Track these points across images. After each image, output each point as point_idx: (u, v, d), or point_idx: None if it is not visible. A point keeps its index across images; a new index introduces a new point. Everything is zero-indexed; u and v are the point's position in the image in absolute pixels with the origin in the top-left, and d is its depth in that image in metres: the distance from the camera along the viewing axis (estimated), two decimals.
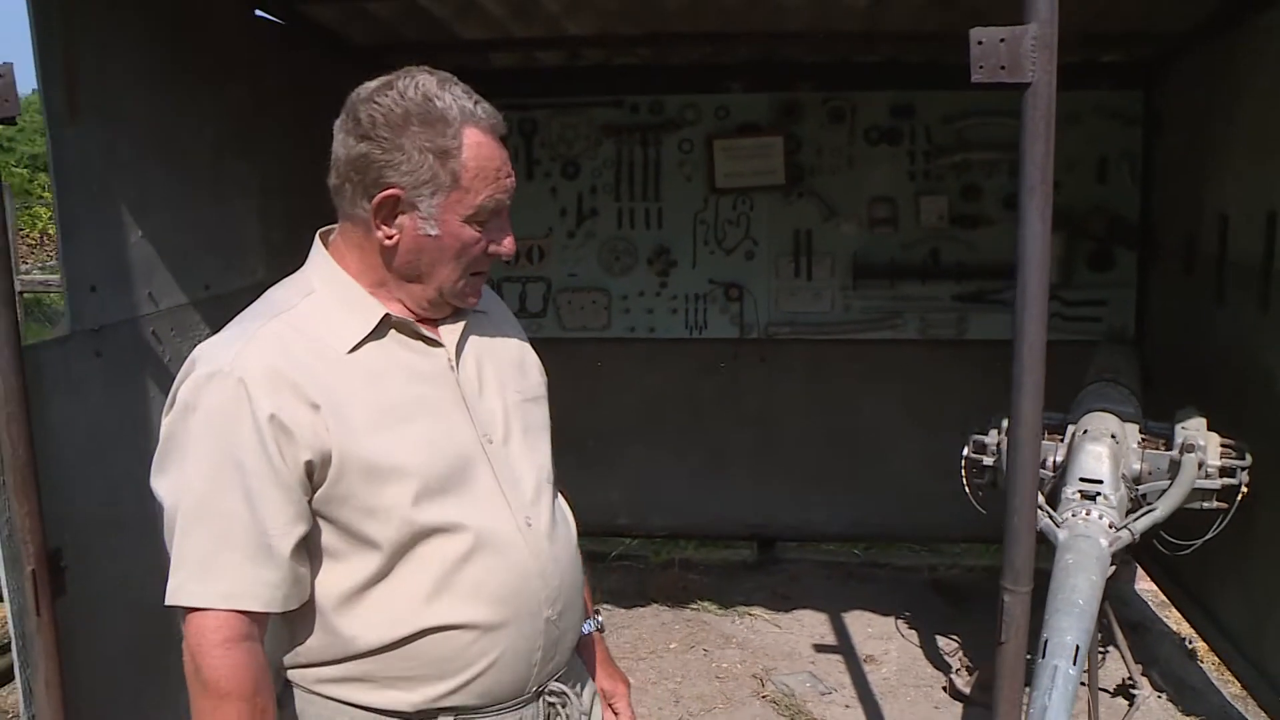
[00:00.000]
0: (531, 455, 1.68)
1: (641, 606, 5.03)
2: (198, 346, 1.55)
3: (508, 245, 1.61)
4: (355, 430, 1.49)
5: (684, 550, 5.81)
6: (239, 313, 1.61)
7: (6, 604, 2.47)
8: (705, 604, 5.05)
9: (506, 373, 1.70)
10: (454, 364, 1.62)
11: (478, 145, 1.52)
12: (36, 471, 2.42)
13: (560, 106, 5.22)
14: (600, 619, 1.94)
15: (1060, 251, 4.90)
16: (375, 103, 1.51)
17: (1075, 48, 4.02)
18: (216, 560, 1.45)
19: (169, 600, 1.46)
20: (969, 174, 5.05)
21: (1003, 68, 1.97)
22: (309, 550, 1.52)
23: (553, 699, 1.68)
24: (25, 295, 10.41)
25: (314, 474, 1.48)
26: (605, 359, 5.39)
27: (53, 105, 2.70)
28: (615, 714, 1.91)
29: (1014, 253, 2.04)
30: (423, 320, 1.61)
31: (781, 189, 5.14)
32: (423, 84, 1.51)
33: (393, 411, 1.54)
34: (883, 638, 4.66)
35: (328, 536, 1.52)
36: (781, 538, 5.65)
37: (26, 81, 2.93)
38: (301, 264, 1.65)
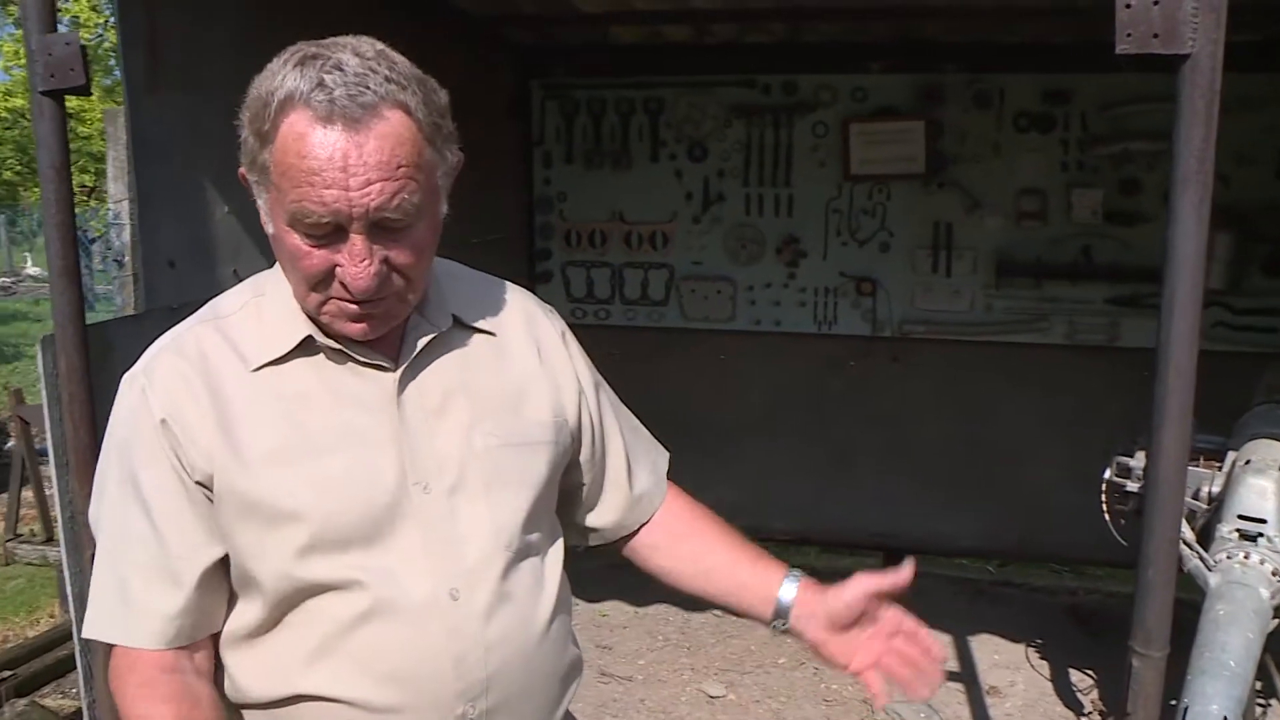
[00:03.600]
0: (490, 513, 1.36)
1: None
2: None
3: (351, 274, 1.21)
4: (244, 461, 1.28)
5: (806, 557, 5.52)
6: None
7: (69, 588, 2.44)
8: None
9: (488, 411, 1.40)
10: (398, 393, 1.35)
11: (294, 136, 1.18)
12: (98, 454, 2.32)
13: (687, 85, 4.97)
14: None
15: (1227, 254, 4.43)
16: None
17: (1251, 21, 3.59)
18: (126, 592, 1.30)
19: (84, 632, 1.33)
20: (1128, 166, 4.61)
21: (1155, 36, 1.66)
22: (225, 578, 1.33)
23: None
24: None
25: (208, 496, 1.29)
26: (728, 352, 5.16)
27: (133, 73, 2.60)
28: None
29: None
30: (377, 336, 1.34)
31: (921, 178, 4.79)
32: (294, 55, 1.22)
33: (301, 443, 1.30)
34: (1010, 667, 4.30)
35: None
36: (910, 549, 5.32)
37: None
38: None
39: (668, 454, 1.71)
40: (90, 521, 1.38)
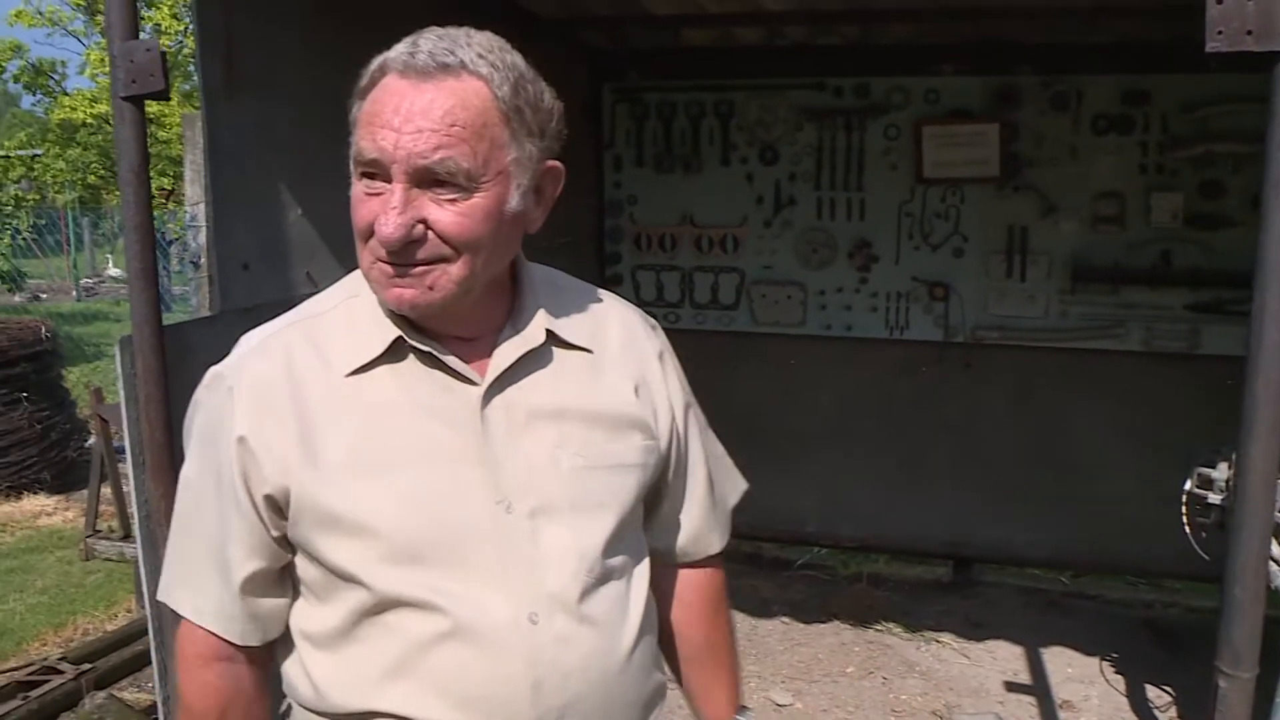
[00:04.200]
0: (574, 537, 1.32)
1: (822, 623, 4.73)
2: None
3: (380, 218, 1.21)
4: (323, 472, 1.26)
5: (874, 564, 5.46)
6: None
7: (144, 585, 2.47)
8: (890, 625, 4.71)
9: (577, 431, 1.36)
10: (482, 407, 1.32)
11: (382, 88, 1.23)
12: (174, 454, 2.35)
13: (758, 88, 4.93)
14: (750, 713, 1.63)
15: None
16: None
17: None
18: (194, 569, 1.34)
19: (158, 594, 1.37)
20: (1210, 168, 4.49)
21: (1249, 33, 1.60)
22: (281, 585, 1.34)
23: None
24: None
25: (279, 509, 1.28)
26: (799, 357, 5.12)
27: (210, 77, 2.62)
28: None
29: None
30: (467, 342, 1.33)
31: (995, 181, 4.71)
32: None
33: (381, 454, 1.28)
34: (1084, 681, 4.21)
35: (306, 570, 1.33)
36: (980, 558, 5.24)
37: None
38: None
39: (745, 486, 1.68)
40: (180, 482, 1.39)
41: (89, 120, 23.70)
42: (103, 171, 25.00)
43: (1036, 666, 4.34)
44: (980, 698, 4.09)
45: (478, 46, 1.24)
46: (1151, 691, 4.07)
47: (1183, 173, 4.53)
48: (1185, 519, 3.22)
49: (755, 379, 5.08)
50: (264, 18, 2.72)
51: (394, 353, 1.31)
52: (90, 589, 5.56)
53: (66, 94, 25.78)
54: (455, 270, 1.25)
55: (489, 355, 1.34)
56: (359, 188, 1.25)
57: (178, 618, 1.37)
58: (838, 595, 5.00)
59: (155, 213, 2.32)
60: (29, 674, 3.84)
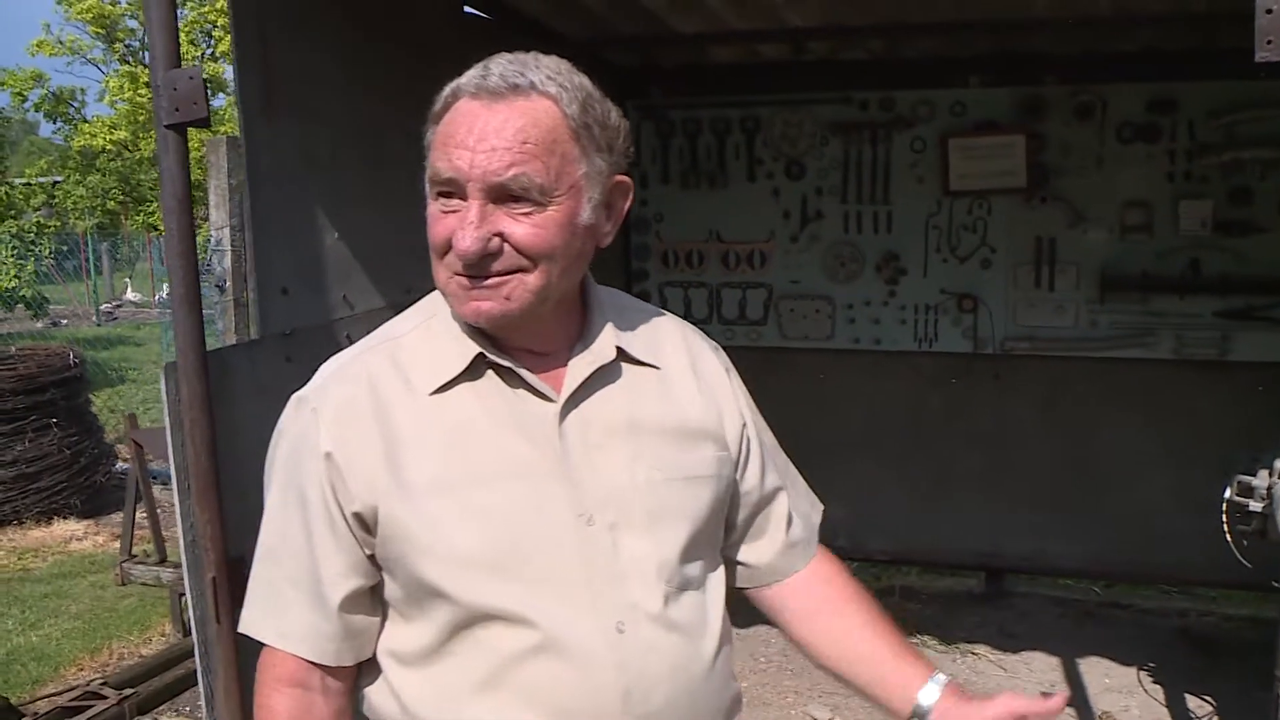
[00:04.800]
0: (655, 548, 1.36)
1: None
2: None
3: (458, 234, 1.25)
4: (409, 490, 1.29)
5: (906, 577, 5.47)
6: None
7: (190, 611, 2.48)
8: (925, 638, 4.71)
9: (651, 444, 1.39)
10: (559, 422, 1.35)
11: (456, 111, 1.29)
12: (219, 478, 2.37)
13: (783, 103, 4.95)
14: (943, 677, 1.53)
15: None
16: None
17: None
18: (280, 596, 1.36)
19: (239, 627, 1.39)
20: (1239, 175, 4.48)
21: None
22: (373, 603, 1.37)
23: None
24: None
25: (367, 527, 1.31)
26: (827, 370, 5.12)
27: (248, 101, 2.65)
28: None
29: None
30: (540, 357, 1.37)
31: (1022, 192, 4.70)
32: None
33: (465, 472, 1.31)
34: (1123, 691, 4.21)
35: (391, 589, 1.35)
36: (1012, 569, 5.23)
37: None
38: None
39: (822, 507, 1.69)
40: (265, 514, 1.42)
41: (109, 146, 23.99)
42: (122, 197, 25.25)
43: (1074, 677, 4.33)
44: None
45: (546, 69, 1.29)
46: (1192, 701, 4.06)
47: (1211, 180, 4.52)
48: (1226, 527, 3.21)
49: (784, 393, 5.00)
50: (300, 40, 2.74)
51: (473, 371, 1.34)
52: (124, 614, 5.60)
53: (86, 121, 26.09)
54: (532, 280, 1.29)
55: (562, 371, 1.38)
56: (434, 206, 1.30)
57: (260, 647, 1.38)
58: None
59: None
60: (72, 700, 3.86)
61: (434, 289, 1.39)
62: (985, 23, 4.17)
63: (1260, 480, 3.12)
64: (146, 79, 25.02)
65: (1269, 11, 1.62)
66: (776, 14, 3.99)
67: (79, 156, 25.31)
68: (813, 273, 5.07)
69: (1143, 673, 4.33)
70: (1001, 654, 4.54)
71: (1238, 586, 4.82)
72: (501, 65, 1.29)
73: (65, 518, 7.41)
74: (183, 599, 4.76)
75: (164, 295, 22.09)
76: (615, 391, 1.41)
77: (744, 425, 1.52)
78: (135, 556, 4.89)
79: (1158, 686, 4.22)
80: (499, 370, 1.35)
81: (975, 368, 4.94)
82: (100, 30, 24.79)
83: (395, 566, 1.32)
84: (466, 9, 3.52)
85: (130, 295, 22.96)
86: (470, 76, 1.30)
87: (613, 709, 1.30)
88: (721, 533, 1.50)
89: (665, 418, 1.43)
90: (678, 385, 1.47)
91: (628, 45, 4.63)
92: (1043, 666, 4.43)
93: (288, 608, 1.35)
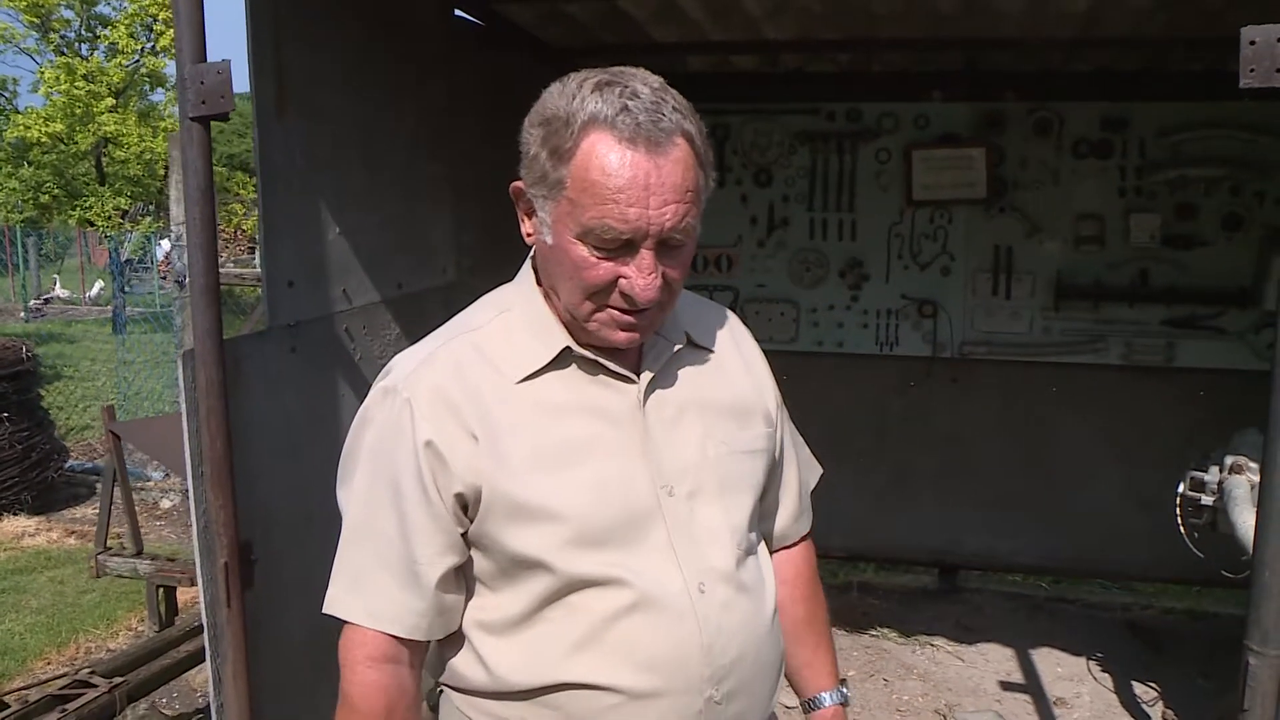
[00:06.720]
0: (725, 515, 1.50)
1: None
2: (396, 355, 1.52)
3: (639, 285, 1.34)
4: (510, 467, 1.40)
5: (863, 573, 5.63)
6: (428, 311, 1.54)
7: (202, 595, 2.53)
8: (885, 631, 4.89)
9: (716, 421, 1.53)
10: (642, 404, 1.47)
11: (598, 155, 1.30)
12: (232, 465, 2.44)
13: (754, 112, 5.11)
14: (845, 691, 1.78)
15: None
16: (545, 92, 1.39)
17: None
18: (369, 578, 1.44)
19: (325, 608, 1.47)
20: (1185, 191, 4.73)
21: (1278, 70, 1.79)
22: (462, 580, 1.47)
23: None
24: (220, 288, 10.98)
25: (466, 507, 1.41)
26: (791, 372, 5.21)
27: (263, 101, 2.71)
28: None
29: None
30: (617, 351, 1.46)
31: (982, 203, 4.92)
32: (588, 79, 1.34)
33: (559, 450, 1.42)
34: (1073, 679, 4.41)
35: (482, 565, 1.46)
36: (966, 565, 5.43)
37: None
38: (507, 271, 1.57)
39: (820, 471, 1.85)
40: (339, 504, 1.50)
41: (43, 139, 23.46)
42: (56, 190, 24.74)
43: (1028, 667, 4.52)
44: (978, 697, 4.26)
45: (673, 101, 1.35)
46: (1138, 688, 4.26)
47: (1159, 195, 4.76)
48: (1179, 521, 3.41)
49: None
50: (308, 43, 2.82)
51: (559, 361, 1.45)
52: (88, 608, 5.59)
53: (19, 112, 25.52)
54: (669, 305, 1.44)
55: (637, 356, 1.49)
56: (585, 252, 1.34)
57: (339, 625, 1.47)
58: (831, 604, 5.11)
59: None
60: (61, 688, 3.88)
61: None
62: (951, 40, 4.35)
63: (1211, 476, 3.33)
64: (84, 71, 24.74)
65: (1253, 43, 1.79)
66: (755, 27, 4.14)
67: (10, 149, 24.76)
68: (779, 278, 5.22)
69: (1092, 662, 4.54)
70: (959, 645, 4.72)
71: (1181, 580, 5.06)
72: (643, 109, 1.31)
73: (15, 514, 7.33)
74: (160, 591, 4.78)
75: (93, 293, 21.74)
76: (683, 373, 1.53)
77: (778, 404, 1.66)
78: (111, 549, 4.89)
79: (1106, 675, 4.42)
80: (580, 360, 1.46)
81: (934, 371, 5.13)
82: (35, 20, 24.28)
83: (491, 543, 1.42)
84: (458, 13, 3.60)
85: (59, 291, 22.50)
86: (605, 113, 1.30)
87: (695, 661, 1.42)
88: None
89: (724, 397, 1.56)
90: (729, 366, 1.60)
91: (609, 53, 4.73)
92: (998, 657, 4.62)
93: (379, 590, 1.44)
